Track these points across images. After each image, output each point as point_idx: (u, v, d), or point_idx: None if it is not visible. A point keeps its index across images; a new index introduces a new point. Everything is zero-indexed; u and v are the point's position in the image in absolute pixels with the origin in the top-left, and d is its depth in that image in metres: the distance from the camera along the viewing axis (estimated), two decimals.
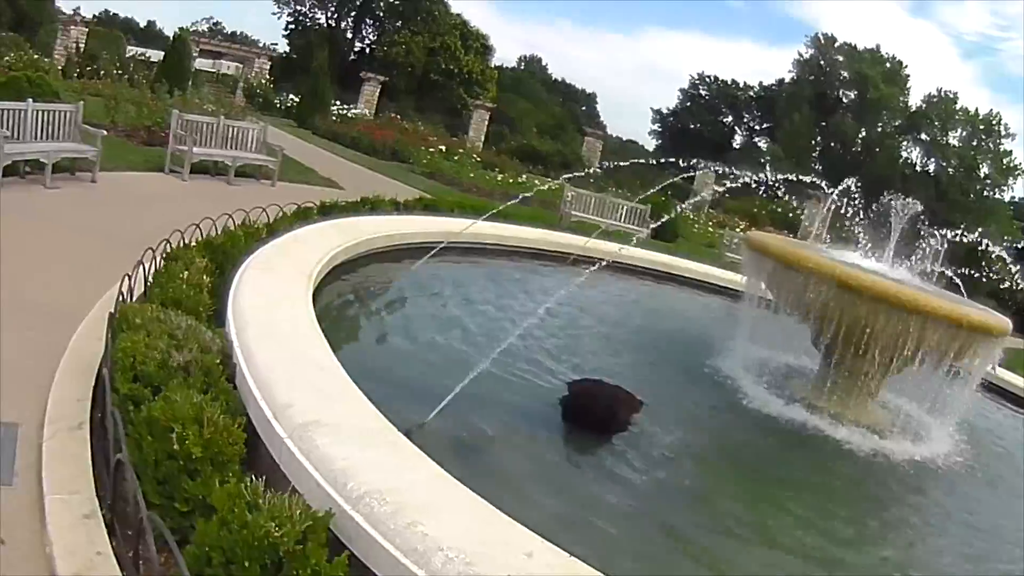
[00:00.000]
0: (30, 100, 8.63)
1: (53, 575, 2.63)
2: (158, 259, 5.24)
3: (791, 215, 27.14)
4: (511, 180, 21.85)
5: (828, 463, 5.47)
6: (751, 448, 5.48)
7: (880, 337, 6.00)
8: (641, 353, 6.95)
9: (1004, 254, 9.28)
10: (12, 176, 8.12)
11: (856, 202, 7.23)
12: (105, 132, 9.59)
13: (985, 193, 48.15)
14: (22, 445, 3.44)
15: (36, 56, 19.37)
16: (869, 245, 7.29)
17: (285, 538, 2.32)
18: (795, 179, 8.10)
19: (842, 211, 7.38)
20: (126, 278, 4.66)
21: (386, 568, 2.43)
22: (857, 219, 7.26)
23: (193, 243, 5.78)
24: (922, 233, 7.28)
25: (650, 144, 62.40)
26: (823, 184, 7.72)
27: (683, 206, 27.02)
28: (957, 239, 7.40)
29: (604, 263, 6.28)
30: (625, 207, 18.11)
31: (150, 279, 4.98)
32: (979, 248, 8.05)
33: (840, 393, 6.42)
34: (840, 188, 7.21)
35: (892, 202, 7.24)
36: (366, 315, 6.28)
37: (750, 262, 7.20)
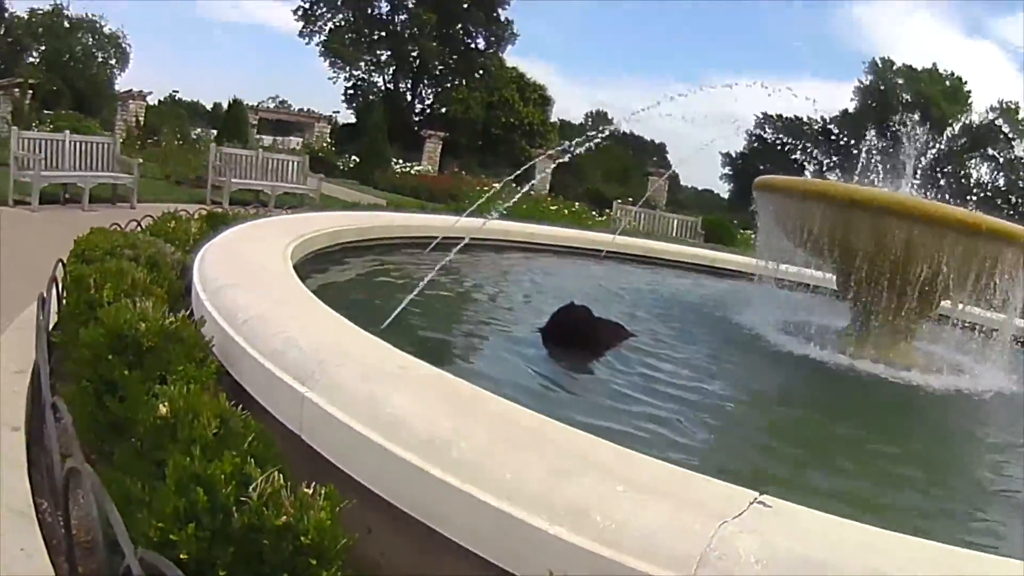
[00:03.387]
0: (67, 131, 9.26)
1: None
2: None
3: None
4: (565, 211, 21.98)
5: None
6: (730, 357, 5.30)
7: (898, 258, 5.55)
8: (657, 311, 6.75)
9: None
10: (52, 204, 8.68)
11: None
12: (140, 161, 10.11)
13: None
14: None
15: (98, 129, 20.52)
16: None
17: (148, 333, 2.37)
18: None
19: None
20: (115, 226, 4.93)
21: (246, 373, 2.50)
22: None
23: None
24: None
25: (723, 190, 61.30)
26: None
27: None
28: None
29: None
30: (676, 220, 17.96)
31: None
32: None
33: (872, 337, 6.02)
34: None
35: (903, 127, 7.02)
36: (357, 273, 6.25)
37: (761, 207, 6.98)
